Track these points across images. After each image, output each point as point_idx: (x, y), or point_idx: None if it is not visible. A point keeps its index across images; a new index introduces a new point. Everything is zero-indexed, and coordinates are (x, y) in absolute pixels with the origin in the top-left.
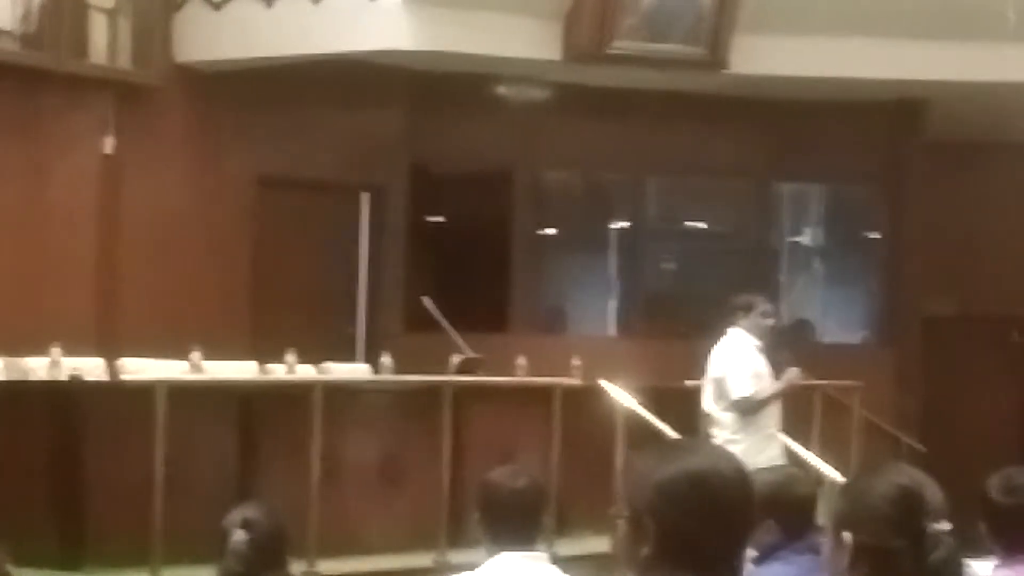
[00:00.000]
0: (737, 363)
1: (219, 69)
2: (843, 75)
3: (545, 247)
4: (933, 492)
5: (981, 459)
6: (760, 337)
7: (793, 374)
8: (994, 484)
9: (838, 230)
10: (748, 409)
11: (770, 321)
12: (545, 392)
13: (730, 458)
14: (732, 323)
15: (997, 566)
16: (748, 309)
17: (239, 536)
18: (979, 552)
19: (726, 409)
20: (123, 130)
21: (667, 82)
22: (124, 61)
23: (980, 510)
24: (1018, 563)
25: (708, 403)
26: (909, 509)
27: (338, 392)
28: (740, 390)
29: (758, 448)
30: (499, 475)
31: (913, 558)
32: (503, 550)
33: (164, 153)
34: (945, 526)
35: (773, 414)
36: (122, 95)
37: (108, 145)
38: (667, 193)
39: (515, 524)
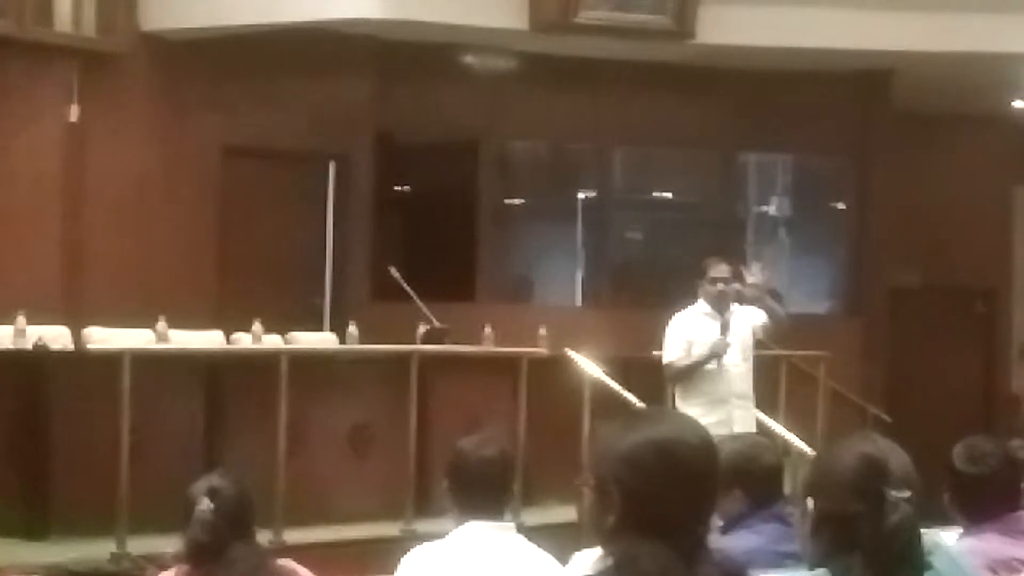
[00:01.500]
0: (672, 330)
1: (185, 37)
2: (810, 45)
3: (512, 217)
4: (898, 460)
5: (946, 428)
6: (710, 304)
7: (719, 344)
8: (958, 454)
9: (804, 201)
10: (672, 375)
11: (719, 287)
12: (512, 362)
13: (696, 427)
14: (692, 292)
15: (962, 535)
16: (701, 276)
17: (204, 505)
18: (944, 522)
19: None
20: (88, 99)
21: (634, 52)
22: (89, 29)
23: (945, 480)
24: (983, 532)
25: None
26: (869, 476)
27: (304, 361)
28: (665, 356)
29: (702, 413)
30: (468, 444)
31: (871, 523)
32: (471, 519)
33: (129, 122)
34: (904, 493)
35: (724, 379)
36: (87, 63)
37: (73, 114)
38: (634, 163)
39: (484, 493)
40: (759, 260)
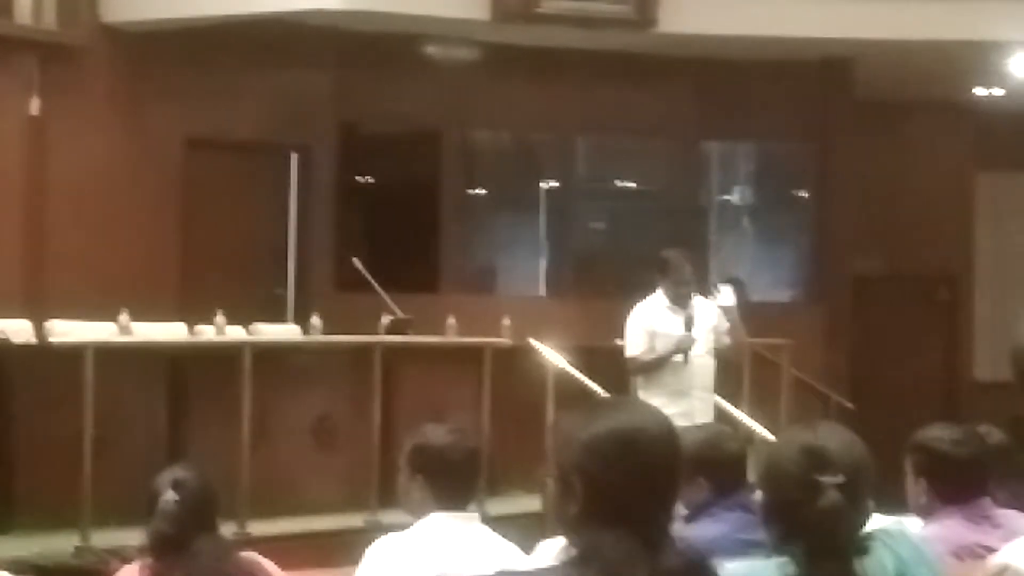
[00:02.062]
0: (633, 322)
1: (146, 29)
2: (771, 34)
3: (474, 207)
4: (840, 447)
5: (908, 415)
6: (673, 301)
7: (685, 340)
8: (940, 437)
9: (767, 189)
10: (635, 369)
11: (684, 288)
12: (475, 352)
13: (658, 417)
14: (653, 284)
15: (927, 521)
16: (663, 271)
17: (168, 497)
18: (903, 509)
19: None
20: (49, 91)
21: (596, 41)
22: (49, 21)
23: (919, 464)
24: (948, 516)
25: None
26: (806, 465)
27: (268, 353)
28: (628, 350)
29: (664, 404)
30: (436, 435)
31: (808, 511)
32: (436, 510)
33: (91, 114)
34: (837, 479)
35: (687, 372)
36: (48, 56)
37: (34, 106)
38: (596, 152)
39: (451, 484)
40: (727, 283)
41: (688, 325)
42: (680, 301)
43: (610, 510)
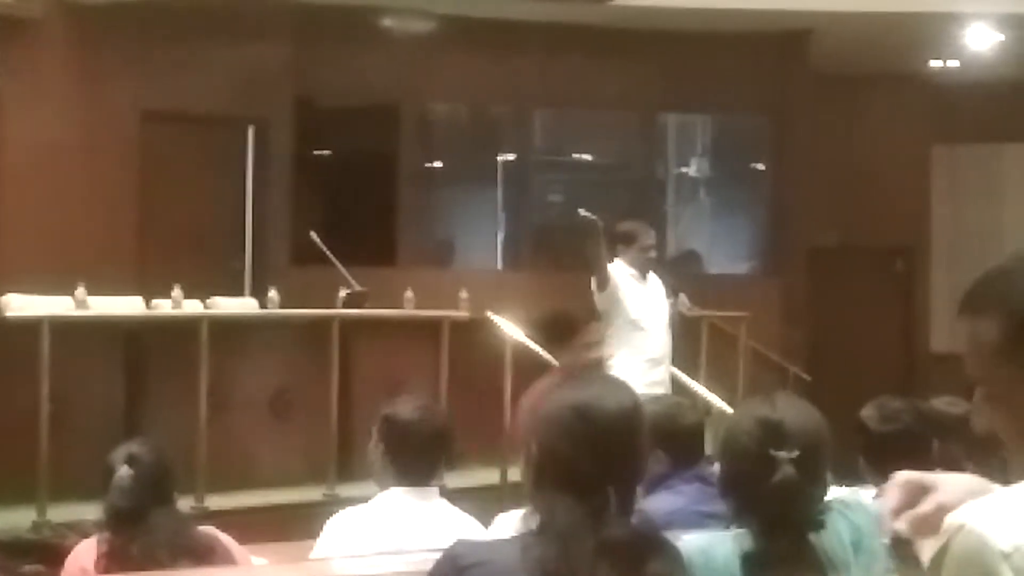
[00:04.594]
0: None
1: (102, 2)
2: (728, 6)
3: (432, 180)
4: (796, 420)
5: (866, 387)
6: (640, 271)
7: (681, 303)
8: (869, 414)
9: (724, 161)
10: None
11: (651, 255)
12: (433, 325)
13: (620, 395)
14: (614, 253)
15: (876, 496)
16: (628, 242)
17: (123, 472)
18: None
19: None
20: (5, 65)
21: (553, 14)
22: None
23: (857, 441)
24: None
25: None
26: (761, 439)
27: (225, 327)
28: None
29: (637, 372)
30: (405, 409)
31: (762, 484)
32: (395, 483)
33: (47, 88)
34: (792, 453)
35: (655, 340)
36: (3, 30)
37: None
38: (553, 125)
39: (412, 459)
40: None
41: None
42: (647, 267)
43: (561, 479)
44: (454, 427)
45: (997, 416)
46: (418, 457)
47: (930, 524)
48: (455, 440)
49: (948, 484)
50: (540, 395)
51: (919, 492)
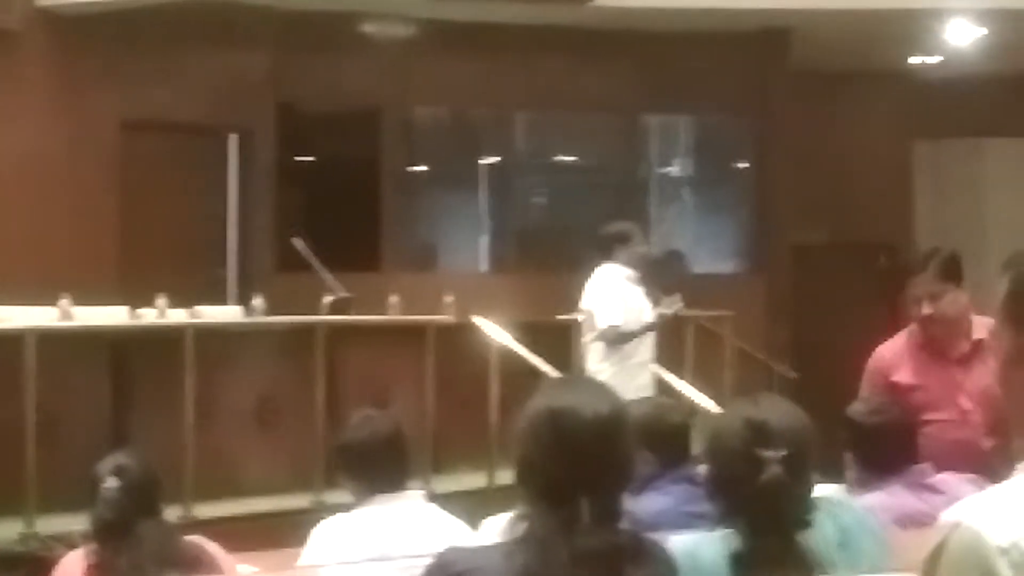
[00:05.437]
0: (607, 293)
1: (81, 12)
2: (708, 6)
3: (415, 184)
4: (782, 420)
5: (851, 384)
6: (636, 268)
7: (675, 302)
8: (857, 408)
9: (707, 161)
10: (615, 339)
11: (646, 252)
12: (418, 330)
13: (597, 402)
14: (607, 255)
15: (867, 491)
16: (624, 241)
17: (110, 483)
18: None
19: (595, 339)
20: None
21: (534, 16)
22: None
23: (845, 437)
24: (888, 485)
25: (584, 335)
26: (748, 439)
27: (210, 335)
28: (608, 319)
29: (628, 377)
30: (351, 431)
31: (750, 484)
32: (376, 496)
33: (27, 99)
34: (779, 452)
35: (644, 344)
36: None
37: None
38: (536, 128)
39: (377, 474)
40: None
41: (667, 302)
42: (643, 265)
43: (534, 482)
44: (432, 427)
45: (1011, 396)
46: (382, 468)
47: None
48: (434, 439)
49: None
50: None
51: None
